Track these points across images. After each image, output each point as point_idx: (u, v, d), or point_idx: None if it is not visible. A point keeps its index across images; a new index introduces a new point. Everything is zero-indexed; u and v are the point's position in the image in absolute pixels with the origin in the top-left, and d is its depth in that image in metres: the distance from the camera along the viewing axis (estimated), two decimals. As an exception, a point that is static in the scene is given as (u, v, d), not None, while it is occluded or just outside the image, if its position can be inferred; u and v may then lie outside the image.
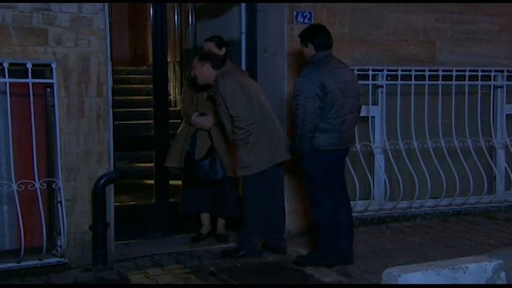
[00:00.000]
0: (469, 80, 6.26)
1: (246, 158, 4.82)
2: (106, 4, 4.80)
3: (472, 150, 6.28)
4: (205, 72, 4.95)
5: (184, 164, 5.24)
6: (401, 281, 2.97)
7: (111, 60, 4.90)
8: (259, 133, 4.82)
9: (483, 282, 3.13)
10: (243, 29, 5.83)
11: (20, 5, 4.52)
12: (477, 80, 6.31)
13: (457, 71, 6.19)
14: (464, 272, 3.10)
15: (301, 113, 4.54)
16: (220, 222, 5.50)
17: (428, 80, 6.09)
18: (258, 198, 4.90)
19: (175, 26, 7.11)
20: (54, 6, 4.61)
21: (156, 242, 5.43)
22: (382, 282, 3.07)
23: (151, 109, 5.90)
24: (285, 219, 5.26)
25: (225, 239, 5.43)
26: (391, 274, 3.00)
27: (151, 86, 5.95)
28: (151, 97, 5.81)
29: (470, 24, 6.30)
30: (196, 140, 5.27)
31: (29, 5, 4.54)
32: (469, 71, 6.25)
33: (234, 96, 4.78)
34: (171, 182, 5.71)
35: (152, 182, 5.81)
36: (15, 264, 4.48)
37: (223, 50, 5.28)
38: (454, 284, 3.06)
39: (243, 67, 5.79)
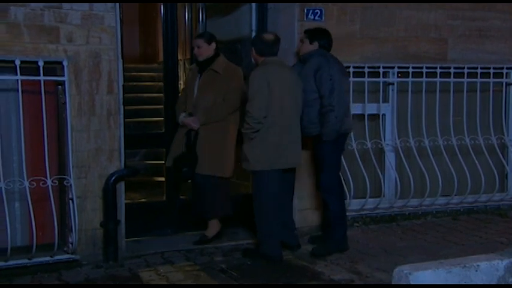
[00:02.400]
0: (480, 78, 6.23)
1: (248, 151, 4.79)
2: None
3: (483, 147, 6.24)
4: (254, 56, 4.96)
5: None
6: (412, 279, 2.95)
7: (122, 57, 4.92)
8: (269, 134, 4.73)
9: (495, 281, 3.11)
10: (253, 27, 5.83)
11: (32, 2, 4.54)
12: (489, 78, 6.28)
13: (468, 68, 6.15)
14: (476, 271, 3.08)
15: (334, 96, 4.81)
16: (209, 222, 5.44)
17: (440, 77, 6.07)
18: (264, 197, 4.81)
19: (185, 23, 7.12)
20: (65, 3, 4.63)
21: (166, 239, 5.44)
22: (393, 281, 3.05)
23: (161, 107, 5.92)
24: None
25: (205, 241, 5.32)
26: (402, 272, 2.99)
27: (161, 83, 5.97)
28: (162, 95, 5.83)
29: (482, 21, 6.26)
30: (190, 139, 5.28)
31: (40, 3, 4.56)
32: (481, 68, 6.21)
33: (255, 92, 4.70)
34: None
35: (163, 179, 5.83)
36: (27, 261, 4.51)
37: (213, 45, 5.24)
38: (465, 284, 3.04)
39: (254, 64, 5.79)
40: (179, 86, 6.04)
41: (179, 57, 6.22)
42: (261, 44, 4.87)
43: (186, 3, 6.99)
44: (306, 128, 4.94)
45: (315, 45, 5.03)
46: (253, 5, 5.79)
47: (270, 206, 4.81)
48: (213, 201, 5.29)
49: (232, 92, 5.20)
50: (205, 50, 5.21)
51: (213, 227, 5.40)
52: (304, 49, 5.08)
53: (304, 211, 5.61)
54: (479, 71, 6.21)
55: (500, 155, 6.38)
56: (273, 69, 4.80)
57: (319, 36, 5.07)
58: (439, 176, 5.98)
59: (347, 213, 5.61)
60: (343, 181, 5.29)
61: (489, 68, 6.25)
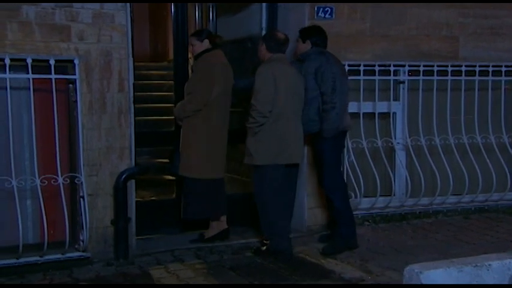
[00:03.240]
0: (492, 76, 6.19)
1: (251, 146, 4.82)
2: (128, 0, 4.83)
3: (495, 146, 6.21)
4: (262, 51, 5.01)
5: None
6: (424, 277, 2.94)
7: (133, 56, 4.93)
8: (273, 128, 4.77)
9: (506, 281, 3.09)
10: (264, 25, 5.82)
11: (44, 2, 4.56)
12: (500, 76, 6.24)
13: (480, 66, 6.12)
14: (488, 270, 3.06)
15: (336, 93, 4.86)
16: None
17: (451, 76, 6.03)
18: (268, 193, 4.82)
19: (195, 22, 7.12)
20: (76, 3, 4.64)
21: (176, 237, 5.46)
22: (404, 279, 3.04)
23: (171, 105, 5.93)
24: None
25: (202, 240, 5.32)
26: (413, 271, 2.98)
27: (171, 82, 5.98)
28: (172, 93, 5.84)
29: (493, 19, 6.22)
30: None
31: (52, 3, 4.58)
32: (493, 66, 6.17)
33: (261, 86, 4.75)
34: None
35: (173, 177, 5.84)
36: (39, 258, 4.53)
37: (206, 42, 5.21)
38: (477, 284, 3.02)
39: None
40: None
41: (189, 56, 6.24)
42: (273, 41, 4.97)
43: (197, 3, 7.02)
44: (306, 126, 4.98)
45: (308, 44, 5.06)
46: (264, 3, 5.78)
47: (274, 202, 4.82)
48: (188, 202, 5.18)
49: (195, 87, 5.07)
50: (198, 47, 5.21)
51: (212, 227, 5.34)
52: (300, 49, 5.13)
53: (314, 209, 5.60)
54: (490, 69, 6.17)
55: (512, 154, 6.34)
56: (278, 65, 4.87)
57: (310, 34, 5.08)
58: (450, 175, 5.95)
59: (357, 212, 5.64)
60: (345, 179, 5.31)
61: (501, 66, 6.21)
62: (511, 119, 6.37)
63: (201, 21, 6.79)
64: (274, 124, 4.77)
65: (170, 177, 6.19)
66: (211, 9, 6.37)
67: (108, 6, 4.74)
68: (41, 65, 4.54)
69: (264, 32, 5.79)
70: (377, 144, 5.82)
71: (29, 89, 4.53)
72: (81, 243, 4.71)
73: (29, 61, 4.46)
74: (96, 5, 4.71)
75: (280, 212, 4.87)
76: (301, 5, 5.53)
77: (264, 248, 5.01)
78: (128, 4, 4.83)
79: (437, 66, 5.99)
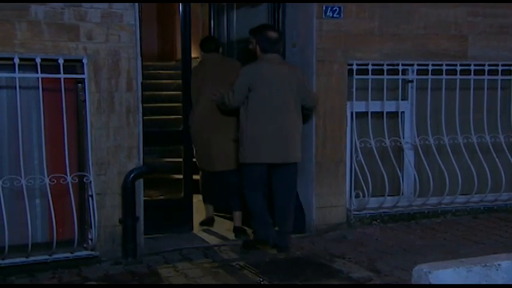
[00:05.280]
0: (501, 75, 6.15)
1: (240, 144, 5.00)
2: (136, 0, 4.84)
3: (504, 145, 6.17)
4: (257, 52, 5.12)
5: None
6: (432, 277, 2.93)
7: (141, 55, 4.94)
8: (250, 129, 4.91)
9: (516, 280, 3.08)
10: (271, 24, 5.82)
11: (53, 2, 4.57)
12: (510, 75, 6.20)
13: (489, 65, 6.08)
14: (497, 270, 3.04)
15: None
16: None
17: (460, 75, 6.00)
18: (247, 189, 5.01)
19: (203, 22, 7.13)
20: (85, 3, 4.66)
21: (184, 237, 5.47)
22: (412, 279, 3.03)
23: (179, 104, 5.94)
24: (289, 219, 5.10)
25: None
26: (422, 271, 2.96)
27: (179, 81, 5.99)
28: (180, 92, 5.85)
29: (503, 18, 6.18)
30: None
31: (61, 3, 4.59)
32: (502, 65, 6.13)
33: (236, 86, 4.96)
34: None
35: (181, 176, 5.86)
36: (48, 257, 4.55)
37: None
38: (487, 284, 3.01)
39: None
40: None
41: (197, 55, 6.25)
42: (265, 41, 5.01)
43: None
44: None
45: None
46: (272, 3, 5.78)
47: (253, 196, 5.00)
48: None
49: None
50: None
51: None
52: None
53: (323, 209, 5.59)
54: (500, 68, 6.13)
55: (521, 153, 6.30)
56: (266, 66, 4.97)
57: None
58: (459, 174, 5.92)
59: (365, 212, 5.72)
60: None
61: (510, 65, 6.17)
62: (520, 119, 6.34)
63: (209, 21, 6.77)
64: (251, 126, 4.91)
65: (178, 176, 6.21)
66: (219, 9, 6.36)
67: (116, 5, 4.75)
68: (49, 64, 4.56)
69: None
70: (385, 143, 5.80)
71: (38, 88, 4.54)
72: (90, 242, 4.73)
73: (38, 60, 4.47)
74: (105, 5, 4.72)
75: (258, 204, 5.01)
76: (309, 5, 5.52)
77: (250, 238, 5.16)
78: (137, 4, 4.83)
79: (446, 65, 5.96)
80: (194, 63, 6.03)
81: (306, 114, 5.27)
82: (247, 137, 4.93)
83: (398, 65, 5.83)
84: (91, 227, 4.70)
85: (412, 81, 6.00)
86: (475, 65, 6.03)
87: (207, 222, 5.86)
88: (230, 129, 5.33)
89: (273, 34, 5.03)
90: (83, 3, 4.65)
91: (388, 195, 5.76)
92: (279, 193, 5.06)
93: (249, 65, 5.07)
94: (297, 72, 5.10)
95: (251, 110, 4.91)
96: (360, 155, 5.68)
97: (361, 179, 5.66)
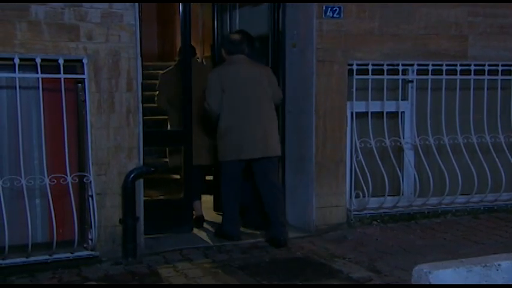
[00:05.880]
0: (501, 75, 6.15)
1: (218, 143, 5.25)
2: (136, 0, 4.84)
3: (504, 145, 6.17)
4: (224, 56, 5.37)
5: None
6: (432, 277, 2.93)
7: (141, 55, 4.94)
8: (223, 129, 5.13)
9: (516, 281, 3.08)
10: (272, 25, 5.82)
11: (53, 2, 4.57)
12: (510, 75, 6.20)
13: (489, 65, 6.08)
14: (497, 270, 3.04)
15: None
16: None
17: (460, 75, 6.00)
18: (224, 185, 5.26)
19: (203, 22, 7.12)
20: (86, 3, 4.66)
21: (184, 237, 5.47)
22: (412, 279, 3.03)
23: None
24: (280, 210, 5.25)
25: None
26: (422, 271, 2.96)
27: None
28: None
29: (503, 18, 6.18)
30: None
31: (61, 3, 4.59)
32: (502, 65, 6.13)
33: (208, 89, 5.17)
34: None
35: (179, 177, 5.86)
36: (48, 257, 4.55)
37: None
38: (487, 284, 3.01)
39: (271, 62, 5.80)
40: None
41: (197, 55, 6.24)
42: (229, 44, 5.29)
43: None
44: None
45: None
46: (272, 3, 5.78)
47: (228, 193, 5.26)
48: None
49: None
50: None
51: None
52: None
53: (323, 209, 5.59)
54: (500, 68, 6.13)
55: (522, 153, 6.30)
56: (232, 67, 5.17)
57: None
58: (459, 174, 5.92)
59: (365, 212, 5.72)
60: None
61: (510, 66, 6.17)
62: (520, 119, 6.34)
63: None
64: (223, 125, 5.12)
65: (178, 177, 6.21)
66: (218, 9, 6.35)
67: (116, 5, 4.75)
68: (49, 64, 4.56)
69: (272, 32, 5.81)
70: (385, 143, 5.80)
71: (38, 88, 4.54)
72: (90, 242, 4.73)
73: (38, 61, 4.47)
74: (105, 5, 4.72)
75: (232, 201, 5.26)
76: (309, 5, 5.52)
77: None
78: (137, 4, 4.84)
79: (446, 65, 5.96)
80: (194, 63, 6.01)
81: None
82: (225, 136, 5.14)
83: (398, 65, 5.83)
84: (91, 227, 4.70)
85: (412, 81, 6.00)
86: (475, 65, 6.03)
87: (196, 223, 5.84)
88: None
89: (235, 36, 5.30)
90: (83, 3, 4.66)
91: (388, 195, 5.76)
92: (264, 187, 5.22)
93: (217, 67, 5.36)
94: (265, 70, 5.33)
95: (225, 110, 5.11)
96: (360, 155, 5.68)
97: (361, 179, 5.66)
